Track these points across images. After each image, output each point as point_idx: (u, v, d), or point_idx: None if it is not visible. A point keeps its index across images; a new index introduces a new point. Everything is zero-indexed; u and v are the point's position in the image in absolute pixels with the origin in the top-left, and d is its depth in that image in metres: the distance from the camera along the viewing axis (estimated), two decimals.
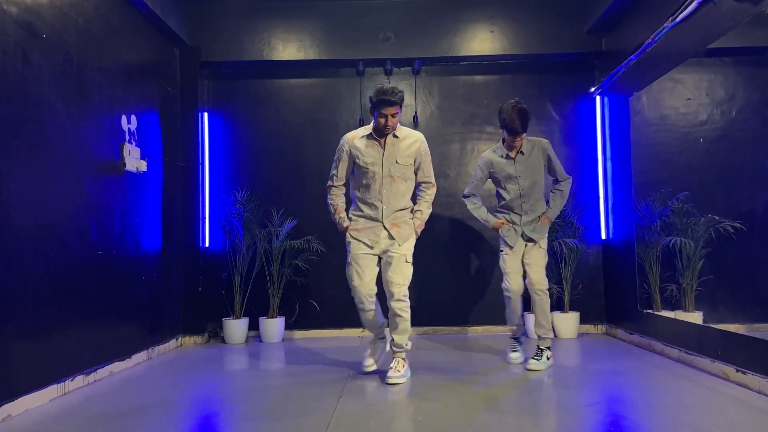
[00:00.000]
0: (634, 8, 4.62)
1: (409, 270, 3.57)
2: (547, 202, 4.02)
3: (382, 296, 3.58)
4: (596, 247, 5.35)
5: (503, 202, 3.93)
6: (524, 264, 3.88)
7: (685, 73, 3.99)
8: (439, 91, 5.53)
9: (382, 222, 3.56)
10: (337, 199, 3.70)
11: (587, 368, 3.85)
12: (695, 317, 3.95)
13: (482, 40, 5.30)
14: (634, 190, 4.65)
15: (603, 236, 5.31)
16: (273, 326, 5.10)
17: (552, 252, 4.81)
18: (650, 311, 4.43)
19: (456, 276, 5.40)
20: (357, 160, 3.57)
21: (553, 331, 4.63)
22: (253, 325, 5.21)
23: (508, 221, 3.90)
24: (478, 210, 4.01)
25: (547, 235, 3.94)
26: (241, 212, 5.08)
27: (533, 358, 3.81)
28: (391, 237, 3.55)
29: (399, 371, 3.48)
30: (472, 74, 5.53)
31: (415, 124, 5.46)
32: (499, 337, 5.09)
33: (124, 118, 4.14)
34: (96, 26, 3.83)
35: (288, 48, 5.32)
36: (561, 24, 5.26)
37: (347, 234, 3.61)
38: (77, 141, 3.55)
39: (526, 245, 3.88)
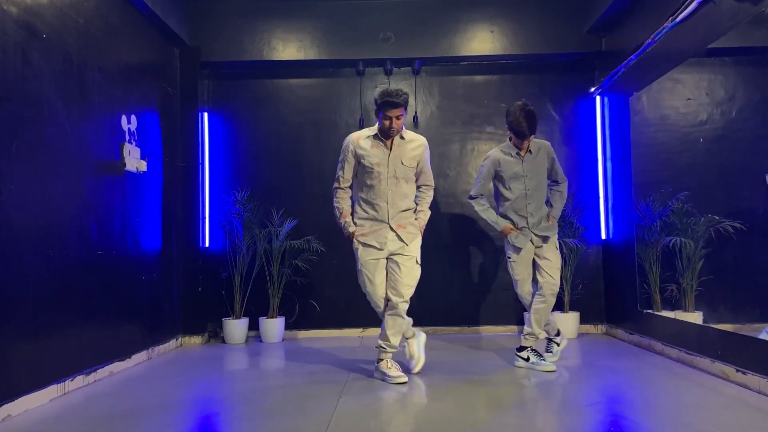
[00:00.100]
0: (634, 8, 4.62)
1: (418, 272, 3.61)
2: (547, 202, 4.02)
3: None
4: (596, 247, 5.35)
5: (507, 204, 3.89)
6: (541, 266, 3.84)
7: (685, 73, 3.99)
8: (439, 91, 5.53)
9: (388, 222, 3.57)
10: (343, 202, 3.69)
11: (587, 368, 3.85)
12: (695, 317, 3.95)
13: (482, 40, 5.30)
14: (634, 190, 4.65)
15: (603, 236, 5.31)
16: (273, 326, 5.10)
17: None
18: (650, 311, 4.43)
19: (456, 276, 5.40)
20: (362, 160, 3.57)
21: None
22: (253, 325, 5.21)
23: (515, 227, 3.87)
24: (486, 212, 3.94)
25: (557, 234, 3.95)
26: (241, 212, 5.08)
27: (520, 355, 3.83)
28: (399, 239, 3.57)
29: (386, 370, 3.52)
30: (472, 74, 5.53)
31: (415, 124, 5.47)
32: (500, 337, 5.09)
33: (124, 118, 4.14)
34: (96, 26, 3.83)
35: (288, 48, 5.32)
36: (561, 24, 5.26)
37: (355, 240, 3.61)
38: (77, 141, 3.55)
39: (538, 246, 3.86)
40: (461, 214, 5.41)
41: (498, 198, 4.01)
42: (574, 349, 4.48)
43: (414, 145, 3.64)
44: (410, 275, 3.55)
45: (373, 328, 5.29)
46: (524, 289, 3.90)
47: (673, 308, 4.16)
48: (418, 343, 3.77)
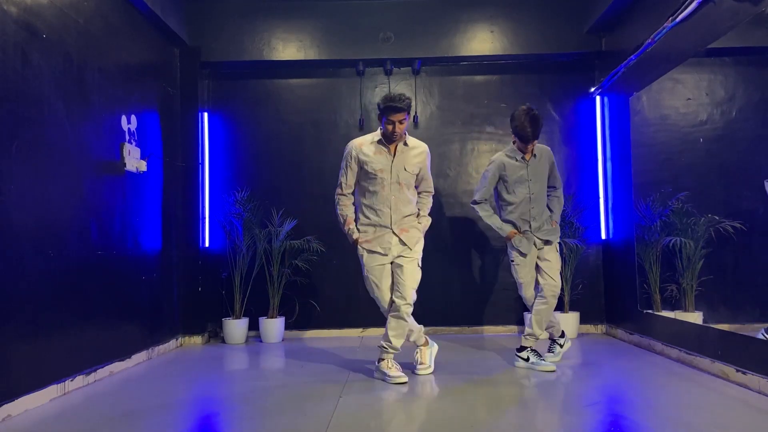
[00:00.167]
0: (634, 8, 4.62)
1: (419, 274, 3.63)
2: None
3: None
4: (596, 247, 5.35)
5: (510, 207, 3.88)
6: (542, 267, 3.85)
7: (685, 73, 3.99)
8: (439, 91, 5.53)
9: (391, 228, 3.58)
10: (346, 209, 3.70)
11: (587, 368, 3.85)
12: (695, 317, 3.95)
13: (482, 40, 5.30)
14: (634, 190, 4.65)
15: (603, 236, 5.31)
16: (273, 326, 5.10)
17: None
18: (650, 311, 4.43)
19: (456, 276, 5.40)
20: (365, 166, 3.58)
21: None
22: (253, 325, 5.21)
23: (519, 232, 3.86)
24: (491, 218, 3.94)
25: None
26: (241, 212, 5.08)
27: (527, 355, 3.83)
28: (402, 242, 3.59)
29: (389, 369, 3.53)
30: (472, 74, 5.53)
31: (415, 125, 5.47)
32: (500, 337, 5.09)
33: (124, 118, 4.14)
34: (96, 26, 3.83)
35: (288, 48, 5.32)
36: (561, 24, 5.26)
37: (359, 247, 3.63)
38: (77, 141, 3.55)
39: (539, 249, 3.87)
40: (461, 215, 5.42)
41: (500, 202, 4.00)
42: (574, 349, 4.48)
43: (416, 151, 3.67)
44: (412, 277, 3.57)
45: (373, 328, 5.29)
46: (528, 291, 3.91)
47: (673, 308, 4.16)
48: (431, 353, 3.78)
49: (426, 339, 3.81)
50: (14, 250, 2.96)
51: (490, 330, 5.35)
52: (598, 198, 5.33)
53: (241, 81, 5.53)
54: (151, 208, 4.54)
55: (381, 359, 3.59)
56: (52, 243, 3.27)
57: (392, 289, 3.59)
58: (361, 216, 3.68)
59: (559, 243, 4.37)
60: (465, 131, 5.49)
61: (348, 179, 3.67)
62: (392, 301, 3.55)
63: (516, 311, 5.33)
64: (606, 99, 5.26)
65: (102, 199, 3.83)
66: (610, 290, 5.23)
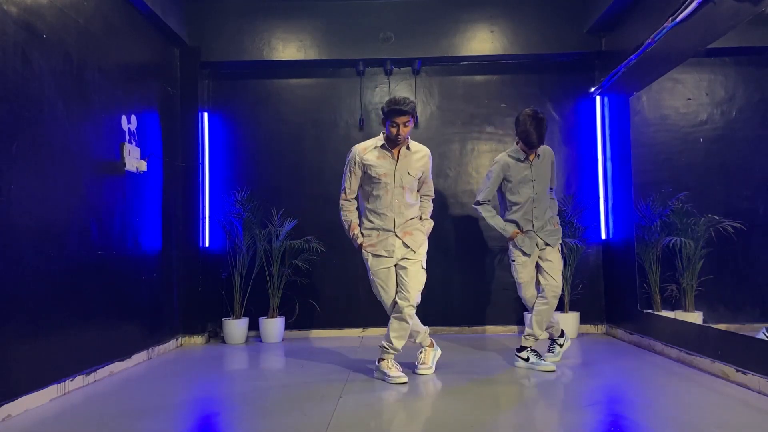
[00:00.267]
0: (634, 8, 4.62)
1: (423, 277, 3.64)
2: None
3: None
4: (596, 247, 5.35)
5: (514, 208, 3.87)
6: (543, 267, 3.86)
7: (685, 73, 3.99)
8: (439, 91, 5.53)
9: (394, 231, 3.59)
10: (350, 214, 3.71)
11: (587, 368, 3.85)
12: (695, 317, 3.95)
13: (482, 40, 5.30)
14: (634, 190, 4.65)
15: (603, 236, 5.31)
16: (273, 326, 5.10)
17: None
18: (650, 311, 4.43)
19: (456, 275, 5.40)
20: (369, 171, 3.59)
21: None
22: (253, 325, 5.21)
23: (521, 231, 3.86)
24: (494, 219, 3.93)
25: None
26: (241, 212, 5.08)
27: (525, 355, 3.83)
28: (405, 245, 3.60)
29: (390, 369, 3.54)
30: (472, 74, 5.53)
31: (415, 125, 5.45)
32: (500, 337, 5.09)
33: (124, 118, 4.14)
34: (96, 26, 3.83)
35: (288, 48, 5.32)
36: (561, 24, 5.26)
37: (364, 251, 3.64)
38: (77, 141, 3.55)
39: (541, 249, 3.86)
40: (461, 214, 5.42)
41: (503, 203, 4.00)
42: (574, 349, 4.48)
43: (419, 155, 3.69)
44: (416, 279, 3.57)
45: (373, 328, 5.30)
46: (528, 292, 3.91)
47: (673, 308, 4.16)
48: (434, 355, 3.79)
49: (431, 341, 3.82)
50: (14, 250, 2.96)
51: (490, 330, 5.35)
52: (598, 198, 5.33)
53: (241, 81, 5.53)
54: (151, 208, 4.54)
55: (381, 359, 3.59)
56: (52, 243, 3.27)
57: (396, 291, 3.60)
58: (365, 220, 3.69)
59: (560, 243, 4.38)
60: (465, 131, 5.49)
61: (351, 184, 3.68)
62: (395, 303, 3.56)
63: (516, 311, 5.33)
64: (606, 99, 5.26)
65: (102, 199, 3.83)
66: (610, 290, 5.23)
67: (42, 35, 3.25)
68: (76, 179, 3.53)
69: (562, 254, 4.02)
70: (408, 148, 3.65)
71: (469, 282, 5.40)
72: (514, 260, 3.90)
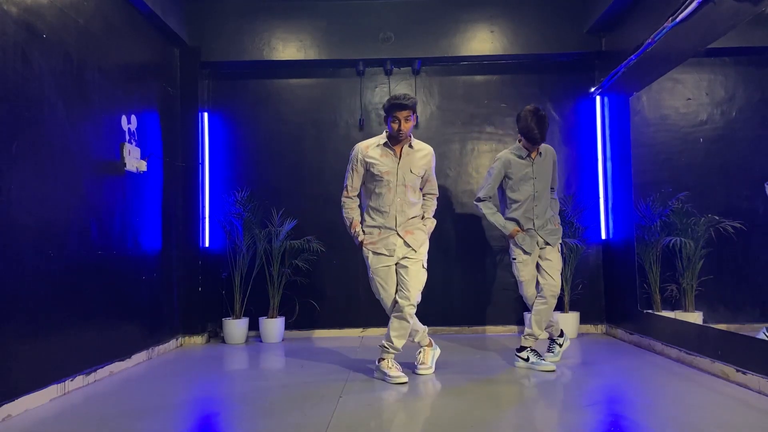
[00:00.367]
0: (634, 8, 4.62)
1: (424, 276, 3.64)
2: None
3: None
4: (596, 247, 5.35)
5: (514, 206, 3.88)
6: (542, 267, 3.86)
7: (685, 73, 3.99)
8: (439, 91, 5.53)
9: (396, 230, 3.59)
10: (352, 212, 3.72)
11: (587, 368, 3.85)
12: (695, 317, 3.95)
13: (482, 40, 5.30)
14: (634, 190, 4.65)
15: (603, 236, 5.31)
16: (273, 326, 5.10)
17: None
18: (650, 311, 4.43)
19: (456, 275, 5.40)
20: (372, 168, 3.60)
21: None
22: (253, 325, 5.21)
23: (522, 230, 3.86)
24: (494, 216, 3.93)
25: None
26: (241, 212, 5.08)
27: (520, 355, 3.84)
28: (406, 244, 3.60)
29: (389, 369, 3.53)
30: (472, 74, 5.53)
31: (415, 125, 5.45)
32: (499, 337, 5.09)
33: (124, 118, 4.14)
34: (96, 26, 3.83)
35: (288, 48, 5.32)
36: (561, 24, 5.26)
37: (365, 248, 3.64)
38: (77, 141, 3.55)
39: (541, 248, 3.87)
40: (461, 214, 5.42)
41: (503, 200, 4.00)
42: (574, 349, 4.48)
43: (422, 153, 3.69)
44: (416, 278, 3.57)
45: (373, 328, 5.30)
46: (529, 290, 3.91)
47: (673, 308, 4.16)
48: (434, 355, 3.79)
49: (430, 340, 3.82)
50: (14, 250, 2.96)
51: (490, 330, 5.35)
52: (598, 198, 5.33)
53: (241, 81, 5.53)
54: (151, 208, 4.54)
55: (381, 359, 3.59)
56: (52, 243, 3.27)
57: (396, 290, 3.59)
58: (366, 218, 3.69)
59: (560, 243, 4.38)
60: (465, 131, 5.49)
61: (353, 182, 3.68)
62: (396, 302, 3.56)
63: (516, 311, 5.33)
64: (606, 99, 5.26)
65: (102, 199, 3.83)
66: (610, 290, 5.23)
67: (42, 35, 3.25)
68: (76, 179, 3.53)
69: (561, 254, 4.02)
70: (411, 146, 3.65)
71: (469, 282, 5.40)
72: (515, 258, 3.90)
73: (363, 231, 3.66)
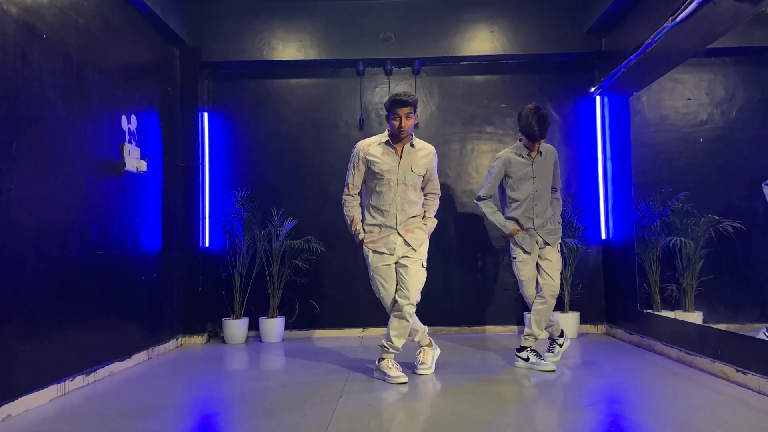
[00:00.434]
0: (634, 8, 4.62)
1: (424, 275, 3.64)
2: None
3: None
4: (596, 247, 5.35)
5: (514, 205, 3.88)
6: (542, 266, 3.87)
7: (685, 73, 3.99)
8: (439, 91, 5.53)
9: (396, 228, 3.59)
10: (353, 210, 3.72)
11: (587, 368, 3.85)
12: (695, 317, 3.95)
13: (482, 40, 5.30)
14: (634, 190, 4.65)
15: (603, 236, 5.31)
16: (273, 326, 5.10)
17: None
18: (650, 311, 4.43)
19: (455, 275, 5.40)
20: (373, 167, 3.60)
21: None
22: (253, 325, 5.21)
23: (522, 229, 3.86)
24: (494, 215, 3.94)
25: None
26: (241, 212, 5.08)
27: (520, 355, 3.84)
28: (406, 243, 3.60)
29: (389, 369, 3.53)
30: (472, 74, 5.53)
31: (415, 125, 5.46)
32: (499, 337, 5.09)
33: (124, 118, 4.14)
34: (96, 26, 3.83)
35: (288, 48, 5.32)
36: (561, 24, 5.26)
37: (365, 247, 3.65)
38: (77, 141, 3.55)
39: (541, 248, 3.87)
40: (461, 214, 5.42)
41: (504, 199, 4.01)
42: (574, 349, 4.48)
43: (424, 153, 3.69)
44: (416, 278, 3.57)
45: (373, 328, 5.30)
46: (529, 290, 3.91)
47: (673, 308, 4.16)
48: (433, 355, 3.79)
49: (430, 340, 3.82)
50: (14, 250, 2.96)
51: (490, 330, 5.35)
52: (598, 198, 5.33)
53: (241, 81, 5.53)
54: (151, 208, 4.54)
55: (381, 359, 3.59)
56: (52, 243, 3.27)
57: (396, 289, 3.59)
58: (367, 216, 3.69)
59: (560, 243, 4.39)
60: (465, 131, 5.49)
61: (355, 180, 3.68)
62: (395, 301, 3.55)
63: (516, 311, 5.33)
64: (606, 99, 5.26)
65: (102, 199, 3.83)
66: (610, 290, 5.23)
67: (42, 35, 3.25)
68: (76, 179, 3.53)
69: (561, 254, 4.02)
70: (412, 145, 3.65)
71: (469, 282, 5.40)
72: (515, 258, 3.91)
73: (363, 229, 3.67)
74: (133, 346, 4.18)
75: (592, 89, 5.30)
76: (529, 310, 4.00)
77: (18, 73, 3.03)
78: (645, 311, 4.49)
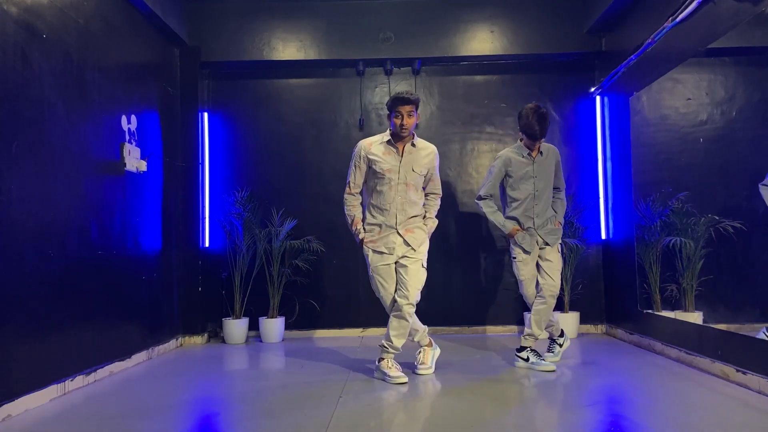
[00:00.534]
0: (634, 8, 4.62)
1: (424, 275, 3.63)
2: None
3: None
4: (596, 247, 5.35)
5: (514, 204, 3.88)
6: (542, 267, 3.87)
7: (685, 73, 3.99)
8: (439, 91, 5.53)
9: (396, 228, 3.59)
10: (354, 209, 3.72)
11: (587, 368, 3.85)
12: (695, 317, 3.95)
13: (482, 40, 5.30)
14: (634, 190, 4.65)
15: (603, 236, 5.31)
16: (273, 326, 5.10)
17: None
18: (650, 311, 4.43)
19: (455, 275, 5.40)
20: (374, 166, 3.60)
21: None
22: (253, 325, 5.21)
23: (522, 229, 3.86)
24: (494, 214, 3.94)
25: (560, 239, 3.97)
26: (241, 212, 5.08)
27: (520, 355, 3.84)
28: (406, 243, 3.60)
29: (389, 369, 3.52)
30: (472, 74, 5.53)
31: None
32: (499, 337, 5.09)
33: (124, 118, 4.14)
34: (96, 26, 3.83)
35: (288, 48, 5.32)
36: (561, 24, 5.26)
37: (365, 246, 3.65)
38: (77, 141, 3.55)
39: (541, 248, 3.87)
40: (461, 214, 5.42)
41: (505, 199, 4.01)
42: (574, 349, 4.48)
43: (425, 152, 3.69)
44: (416, 278, 3.57)
45: (373, 328, 5.30)
46: (529, 289, 3.91)
47: (673, 308, 4.16)
48: (433, 355, 3.79)
49: (430, 340, 3.82)
50: (14, 250, 2.96)
51: (490, 330, 5.35)
52: (598, 198, 5.33)
53: (241, 81, 5.53)
54: (151, 208, 4.54)
55: (381, 359, 3.59)
56: (52, 243, 3.27)
57: (396, 289, 3.59)
58: (368, 215, 3.69)
59: (560, 243, 4.39)
60: (465, 131, 5.49)
61: (356, 179, 3.68)
62: (395, 301, 3.55)
63: (516, 311, 5.33)
64: (606, 99, 5.26)
65: (102, 198, 3.83)
66: (610, 290, 5.23)
67: (42, 35, 3.25)
68: (76, 179, 3.53)
69: (561, 254, 4.02)
70: (413, 144, 3.65)
71: (470, 282, 5.40)
72: (515, 258, 3.91)
73: (364, 228, 3.67)
74: (133, 346, 4.18)
75: (592, 89, 5.30)
76: (529, 310, 4.01)
77: (18, 73, 3.03)
78: (645, 311, 4.49)
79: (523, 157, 3.88)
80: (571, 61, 5.43)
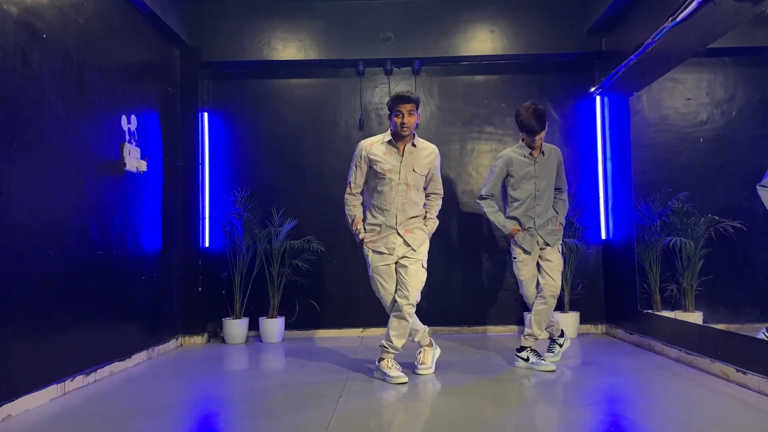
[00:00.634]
0: (634, 8, 4.62)
1: (424, 275, 3.63)
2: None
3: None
4: (596, 247, 5.35)
5: (515, 204, 3.88)
6: (542, 267, 3.86)
7: (685, 73, 3.99)
8: (439, 91, 5.53)
9: (396, 228, 3.59)
10: (354, 209, 3.72)
11: (587, 368, 3.85)
12: (695, 317, 3.95)
13: (482, 40, 5.30)
14: (634, 190, 4.65)
15: (603, 236, 5.31)
16: (273, 326, 5.10)
17: None
18: (650, 311, 4.43)
19: (455, 275, 5.40)
20: (374, 166, 3.60)
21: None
22: (253, 325, 5.21)
23: (522, 228, 3.86)
24: (495, 214, 3.94)
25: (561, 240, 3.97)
26: (241, 212, 5.08)
27: (520, 356, 3.84)
28: (406, 243, 3.60)
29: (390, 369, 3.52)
30: (472, 74, 5.53)
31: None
32: (499, 337, 5.10)
33: (124, 118, 4.14)
34: (96, 26, 3.83)
35: (288, 48, 5.32)
36: (561, 24, 5.26)
37: (365, 246, 3.65)
38: (77, 141, 3.55)
39: (542, 248, 3.87)
40: (462, 214, 5.42)
41: (506, 199, 4.01)
42: (574, 349, 4.48)
43: (426, 152, 3.69)
44: (416, 278, 3.57)
45: (373, 328, 5.30)
46: (529, 289, 3.91)
47: (673, 308, 4.16)
48: (434, 355, 3.79)
49: (430, 340, 3.82)
50: (14, 250, 2.96)
51: (490, 330, 5.35)
52: (598, 198, 5.33)
53: (241, 81, 5.53)
54: (151, 208, 4.54)
55: (381, 359, 3.59)
56: (52, 243, 3.27)
57: (396, 289, 3.59)
58: (368, 215, 3.69)
59: (561, 243, 4.39)
60: (465, 131, 5.49)
61: (357, 179, 3.68)
62: (395, 301, 3.55)
63: (516, 311, 5.33)
64: (606, 99, 5.26)
65: (102, 199, 3.83)
66: (610, 290, 5.23)
67: (42, 35, 3.25)
68: (76, 179, 3.53)
69: (562, 254, 4.02)
70: (414, 144, 3.65)
71: (470, 282, 5.40)
72: (515, 258, 3.91)
73: (364, 228, 3.67)
74: (133, 346, 4.18)
75: (592, 89, 5.30)
76: (529, 310, 4.00)
77: (18, 73, 3.03)
78: (645, 311, 4.49)
79: (524, 157, 3.88)
80: (571, 61, 5.43)
